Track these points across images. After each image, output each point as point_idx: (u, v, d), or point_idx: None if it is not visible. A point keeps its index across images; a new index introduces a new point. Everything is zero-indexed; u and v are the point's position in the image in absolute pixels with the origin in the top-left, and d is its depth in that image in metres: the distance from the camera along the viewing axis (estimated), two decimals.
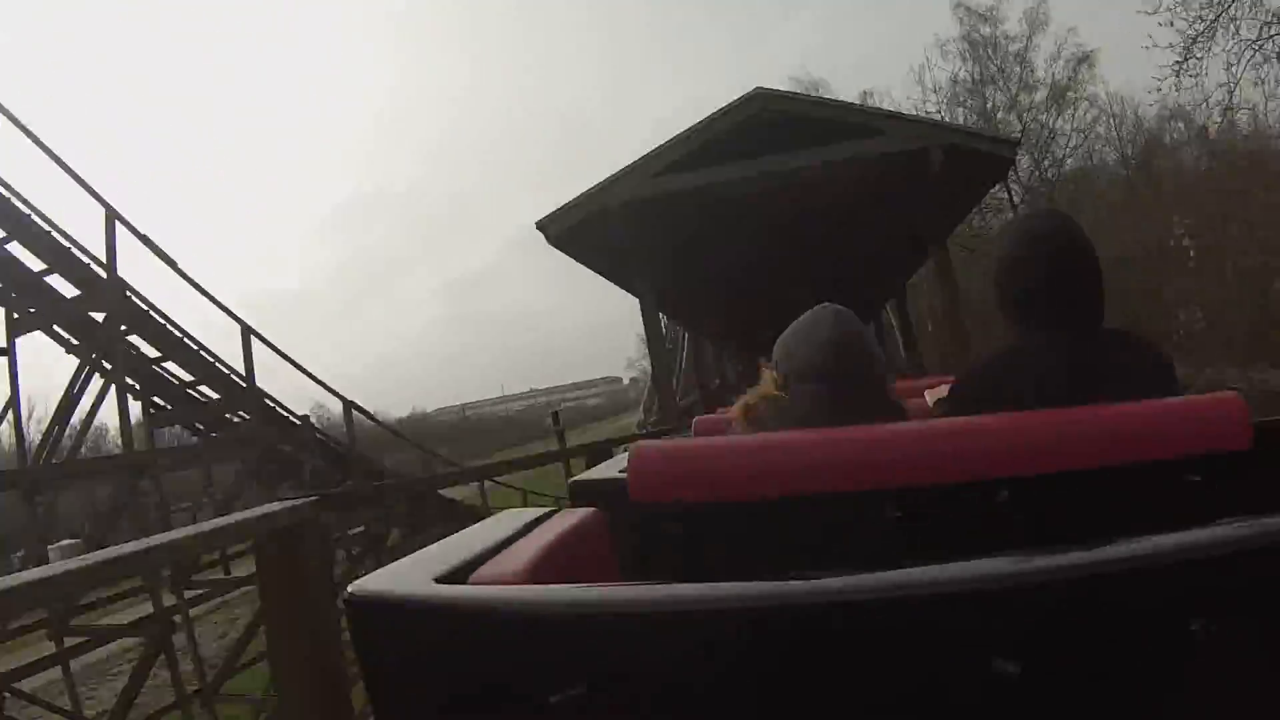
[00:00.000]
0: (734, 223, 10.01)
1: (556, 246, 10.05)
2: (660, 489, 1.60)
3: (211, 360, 11.48)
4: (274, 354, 12.16)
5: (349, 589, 1.04)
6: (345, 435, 13.40)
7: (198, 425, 12.29)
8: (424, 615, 1.02)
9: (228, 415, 11.98)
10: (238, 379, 11.42)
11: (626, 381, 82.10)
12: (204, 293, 11.28)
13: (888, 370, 2.11)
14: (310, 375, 12.90)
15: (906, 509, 1.50)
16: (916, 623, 0.87)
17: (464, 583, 1.11)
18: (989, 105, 29.12)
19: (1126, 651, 0.86)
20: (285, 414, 12.33)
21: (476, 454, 34.86)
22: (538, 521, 1.44)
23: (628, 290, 9.81)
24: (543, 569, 1.18)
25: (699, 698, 0.91)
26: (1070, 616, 0.86)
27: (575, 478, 2.13)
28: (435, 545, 1.31)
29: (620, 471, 1.72)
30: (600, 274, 11.10)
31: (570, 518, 1.46)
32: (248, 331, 11.34)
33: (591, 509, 1.51)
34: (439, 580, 1.09)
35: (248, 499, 10.51)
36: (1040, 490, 1.50)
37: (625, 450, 1.98)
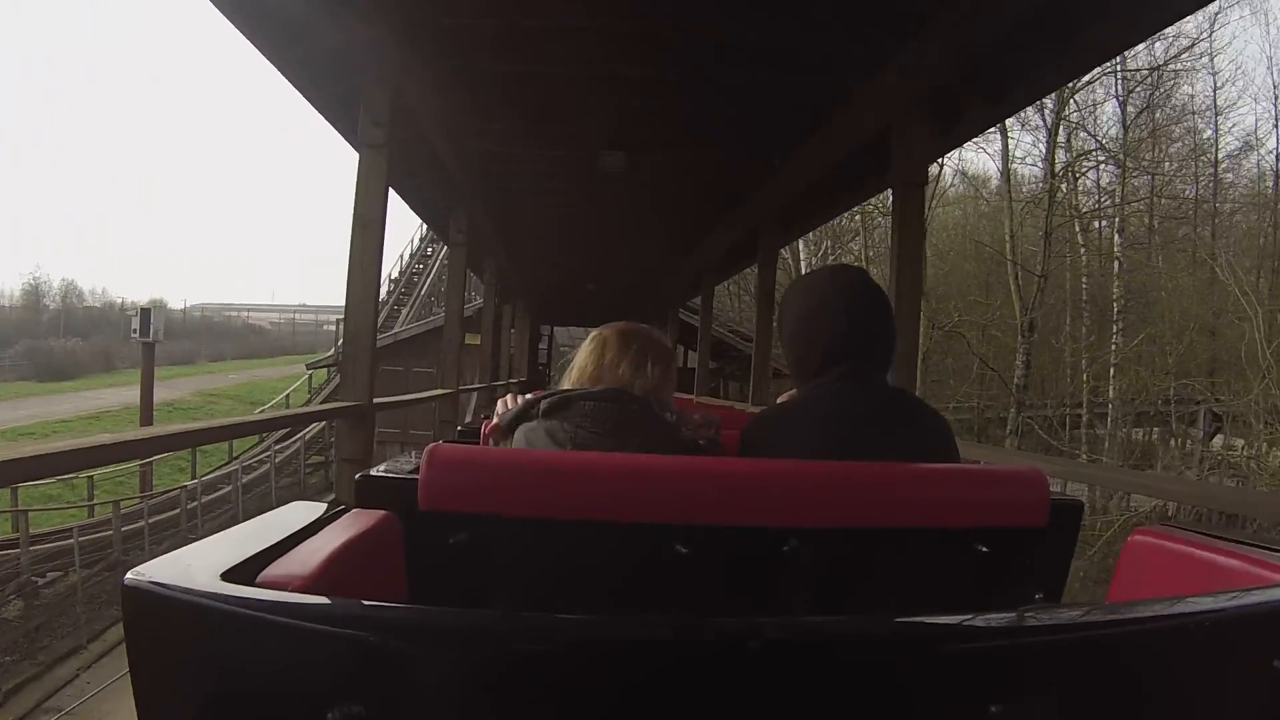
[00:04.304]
0: None
1: None
2: (452, 498, 1.60)
3: None
4: None
5: (127, 577, 0.98)
6: None
7: None
8: (208, 614, 0.96)
9: None
10: None
11: None
12: None
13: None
14: None
15: (695, 547, 1.56)
16: (685, 671, 0.91)
17: (251, 582, 1.07)
18: None
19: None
20: None
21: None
22: (329, 519, 1.41)
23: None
24: (334, 574, 1.18)
25: None
26: (847, 683, 0.92)
27: (363, 473, 1.96)
28: (219, 535, 1.27)
29: (411, 473, 1.79)
30: None
31: (362, 520, 1.44)
32: None
33: (384, 513, 1.49)
34: (225, 576, 1.03)
35: None
36: (832, 544, 1.61)
37: None
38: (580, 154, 7.58)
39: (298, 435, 24.51)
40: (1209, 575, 1.37)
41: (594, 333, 2.10)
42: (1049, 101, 23.49)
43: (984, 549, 1.61)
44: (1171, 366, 22.89)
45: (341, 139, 5.87)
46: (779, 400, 2.17)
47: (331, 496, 5.24)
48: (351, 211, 4.99)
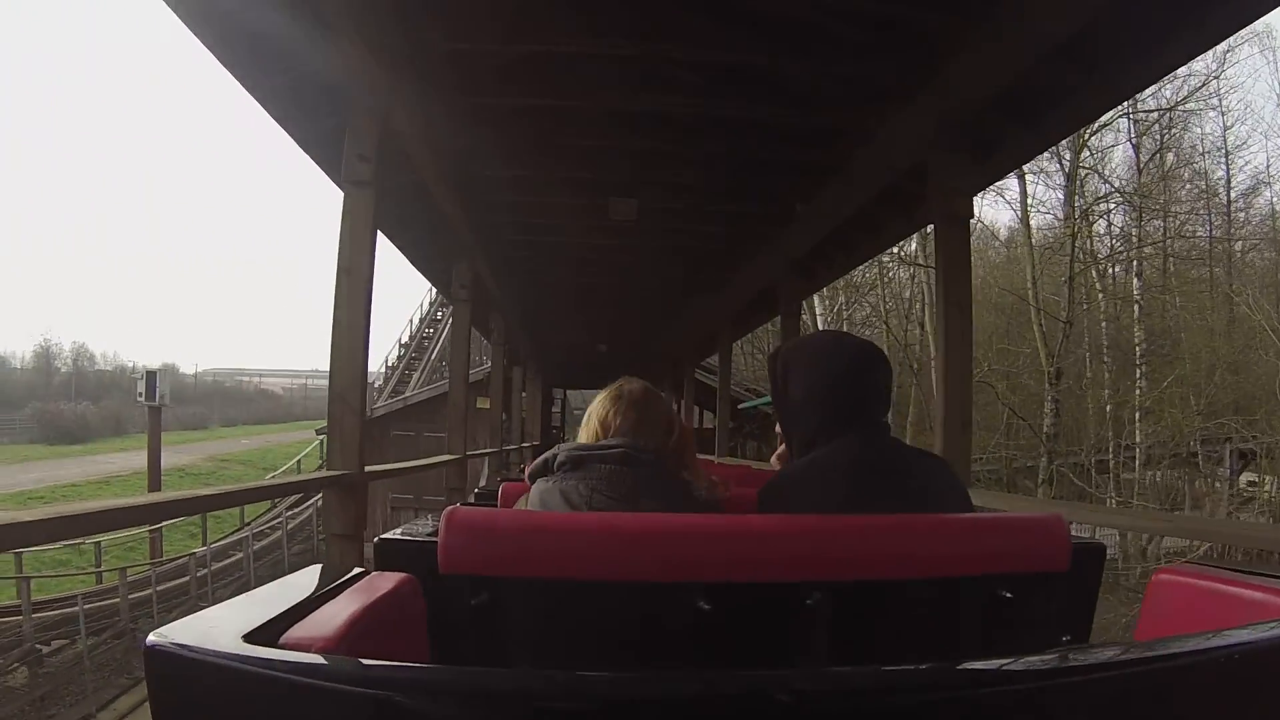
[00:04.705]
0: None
1: None
2: (471, 560, 1.61)
3: None
4: None
5: (150, 638, 0.99)
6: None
7: None
8: (231, 675, 0.96)
9: None
10: None
11: None
12: None
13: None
14: None
15: (717, 603, 1.56)
16: None
17: (274, 644, 1.07)
18: None
19: None
20: None
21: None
22: (349, 582, 1.43)
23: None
24: (355, 636, 1.18)
25: None
26: None
27: (382, 536, 2.04)
28: (241, 597, 1.29)
29: (429, 536, 1.83)
30: None
31: (383, 583, 1.46)
32: None
33: (404, 575, 1.50)
34: (248, 639, 1.03)
35: None
36: (856, 595, 1.62)
37: None
38: (590, 201, 7.22)
39: (310, 501, 24.16)
40: (1234, 609, 1.38)
41: (612, 386, 2.13)
42: (1065, 148, 23.29)
43: (1008, 595, 1.65)
44: (1201, 406, 22.46)
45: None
46: (774, 459, 2.25)
47: None
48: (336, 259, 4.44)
